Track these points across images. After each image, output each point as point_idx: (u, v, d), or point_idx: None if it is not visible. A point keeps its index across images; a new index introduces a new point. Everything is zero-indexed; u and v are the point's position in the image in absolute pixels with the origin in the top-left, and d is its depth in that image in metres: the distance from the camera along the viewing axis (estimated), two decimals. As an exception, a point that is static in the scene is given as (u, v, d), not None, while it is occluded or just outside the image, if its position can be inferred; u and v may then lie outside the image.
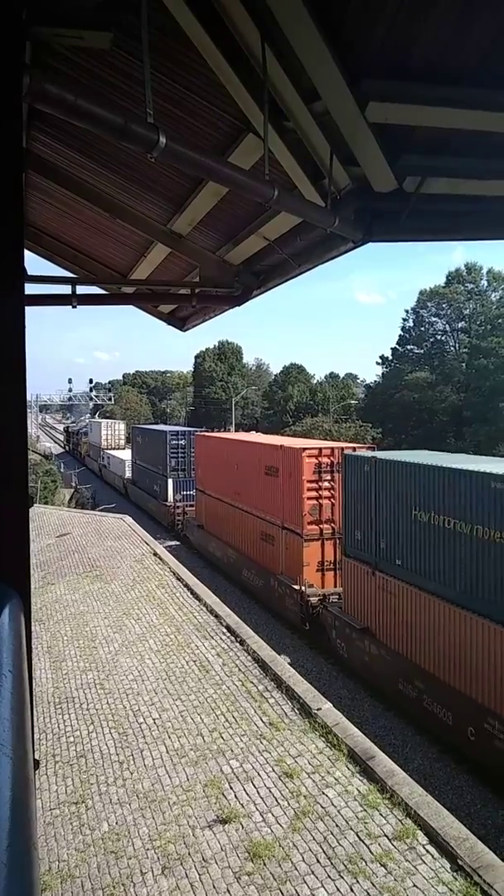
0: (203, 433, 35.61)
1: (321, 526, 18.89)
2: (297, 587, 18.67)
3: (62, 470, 61.78)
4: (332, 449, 19.27)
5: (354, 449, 19.18)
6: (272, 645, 14.28)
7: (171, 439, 35.52)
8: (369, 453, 17.23)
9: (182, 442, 35.34)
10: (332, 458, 18.81)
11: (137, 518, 31.04)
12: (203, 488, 29.45)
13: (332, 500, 18.72)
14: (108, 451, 56.79)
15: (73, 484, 56.14)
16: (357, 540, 16.02)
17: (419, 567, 13.43)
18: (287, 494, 19.96)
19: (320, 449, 19.47)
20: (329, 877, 6.93)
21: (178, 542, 31.84)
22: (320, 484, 18.97)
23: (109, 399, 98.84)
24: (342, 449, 18.75)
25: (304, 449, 19.40)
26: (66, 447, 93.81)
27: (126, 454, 48.88)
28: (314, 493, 18.98)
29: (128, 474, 46.06)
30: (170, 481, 35.11)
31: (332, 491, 18.75)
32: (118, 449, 56.03)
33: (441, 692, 12.50)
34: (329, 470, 18.82)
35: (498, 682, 11.05)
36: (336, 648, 16.80)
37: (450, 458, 15.50)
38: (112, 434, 60.66)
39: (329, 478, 18.82)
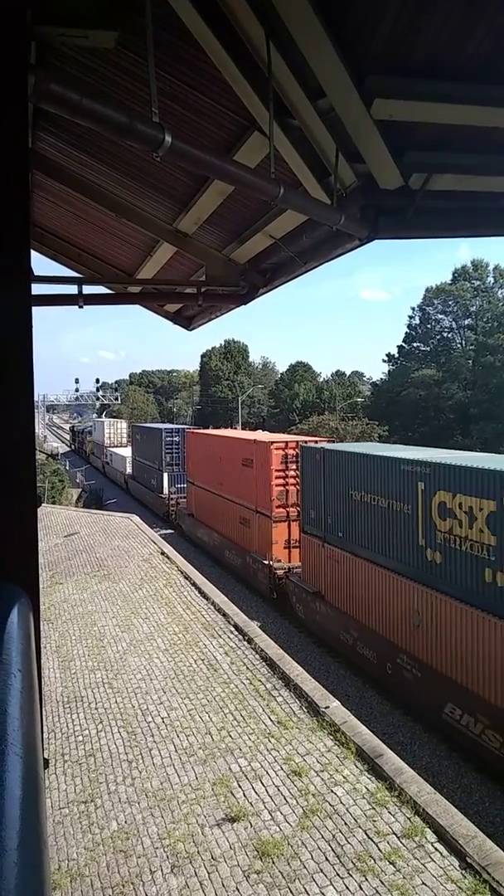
0: (192, 430, 37.84)
1: (287, 509, 21.46)
2: (266, 562, 21.38)
3: (68, 468, 62.47)
4: (297, 442, 21.69)
5: (317, 442, 21.84)
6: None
7: (166, 436, 37.55)
8: (319, 445, 19.73)
9: (176, 439, 37.31)
10: (296, 451, 21.06)
11: (136, 509, 33.03)
12: (193, 480, 31.74)
13: (297, 486, 20.81)
14: (111, 449, 58.18)
15: (79, 481, 56.80)
16: (311, 518, 18.73)
17: (354, 537, 16.17)
18: (259, 482, 22.55)
19: (286, 442, 22.21)
20: (338, 875, 6.93)
21: (172, 531, 34.00)
22: (287, 473, 21.57)
23: (116, 399, 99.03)
24: (305, 442, 21.20)
25: (273, 443, 22.15)
26: (72, 446, 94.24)
27: (127, 451, 50.60)
28: (281, 481, 21.64)
29: (128, 470, 48.16)
30: (165, 475, 37.22)
31: (297, 479, 20.86)
32: (120, 446, 57.11)
33: (368, 637, 15.29)
34: (294, 460, 21.19)
35: (405, 625, 13.71)
36: (296, 611, 19.56)
37: (384, 448, 18.93)
38: (114, 432, 62.38)
39: (294, 467, 21.15)
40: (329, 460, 17.55)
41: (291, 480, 21.27)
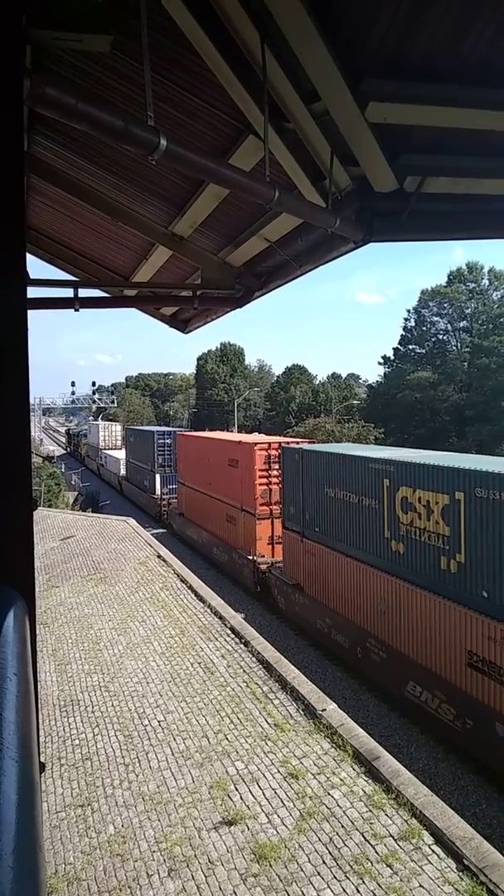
0: (183, 432, 38.72)
1: (271, 507, 22.32)
2: (250, 557, 22.43)
3: (64, 471, 62.78)
4: (279, 444, 22.59)
5: (299, 443, 22.91)
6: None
7: (158, 439, 38.59)
8: (298, 445, 20.85)
9: (168, 441, 38.29)
10: (279, 451, 21.74)
11: (129, 510, 33.64)
12: (183, 481, 32.81)
13: (279, 485, 21.53)
14: (106, 451, 59.14)
15: (74, 483, 57.13)
16: (291, 514, 19.76)
17: (329, 531, 17.17)
18: (244, 482, 23.57)
19: (269, 443, 23.17)
20: (335, 877, 6.92)
21: (164, 530, 34.89)
22: (270, 472, 22.46)
23: (112, 402, 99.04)
24: (288, 443, 22.30)
25: (256, 444, 23.12)
26: (68, 449, 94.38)
27: (121, 454, 51.50)
28: (265, 480, 22.56)
29: (122, 472, 49.13)
30: (157, 476, 38.27)
31: (279, 478, 21.61)
32: (114, 449, 57.90)
33: (342, 624, 16.31)
34: (277, 461, 21.88)
35: (373, 612, 14.77)
36: (277, 603, 20.64)
37: (355, 448, 20.42)
38: (109, 435, 63.70)
39: (277, 467, 21.89)
40: (307, 460, 18.53)
41: (274, 480, 22.13)
